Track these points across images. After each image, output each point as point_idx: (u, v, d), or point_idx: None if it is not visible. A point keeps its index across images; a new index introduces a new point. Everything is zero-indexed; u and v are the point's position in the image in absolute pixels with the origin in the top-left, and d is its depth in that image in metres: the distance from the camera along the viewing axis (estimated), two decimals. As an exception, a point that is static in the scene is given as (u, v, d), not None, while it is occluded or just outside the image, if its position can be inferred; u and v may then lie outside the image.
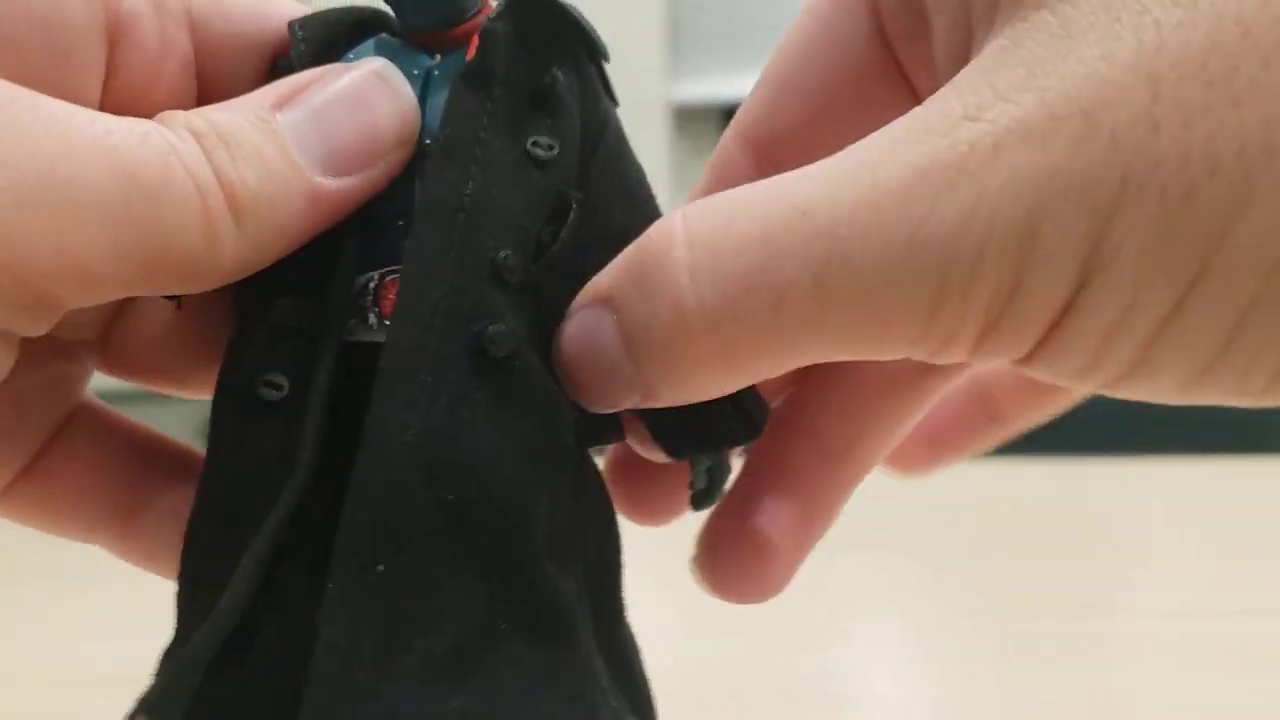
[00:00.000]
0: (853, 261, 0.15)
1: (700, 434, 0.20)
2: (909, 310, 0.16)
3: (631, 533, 0.21)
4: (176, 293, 0.18)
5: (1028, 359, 0.16)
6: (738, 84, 1.77)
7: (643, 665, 0.21)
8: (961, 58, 0.17)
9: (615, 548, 0.20)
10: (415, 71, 0.20)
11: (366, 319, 0.19)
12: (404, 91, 0.19)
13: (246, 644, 0.18)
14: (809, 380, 0.22)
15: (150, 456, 0.23)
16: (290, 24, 0.20)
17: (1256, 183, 0.14)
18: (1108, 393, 0.17)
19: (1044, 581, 0.52)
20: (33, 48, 0.18)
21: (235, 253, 0.17)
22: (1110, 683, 0.39)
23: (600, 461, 0.22)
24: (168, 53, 0.19)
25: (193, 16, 0.20)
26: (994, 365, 0.17)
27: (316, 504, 0.18)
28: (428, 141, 0.19)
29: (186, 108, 0.18)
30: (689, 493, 0.21)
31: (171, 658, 0.19)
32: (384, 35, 0.20)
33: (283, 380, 0.18)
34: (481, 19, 0.20)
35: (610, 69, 0.21)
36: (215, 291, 0.18)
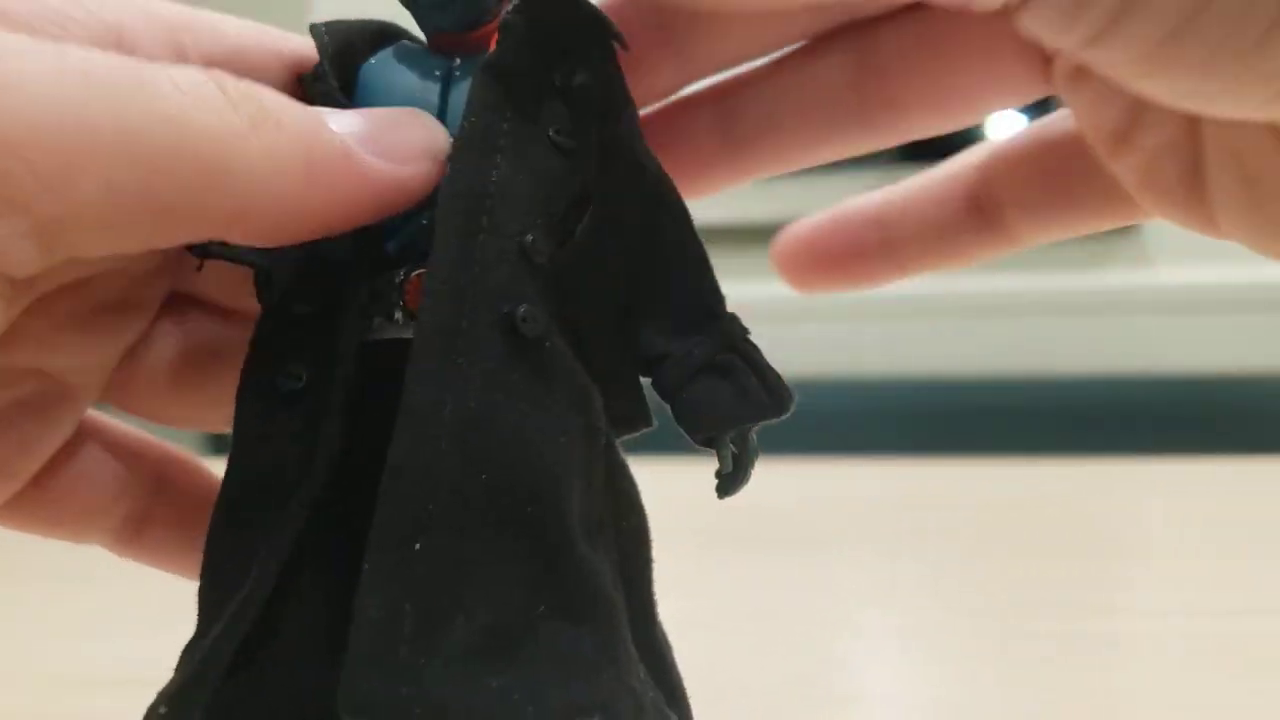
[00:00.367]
0: None
1: (727, 408, 0.19)
2: None
3: (631, 533, 0.21)
4: (196, 232, 0.17)
5: (1021, 2, 0.15)
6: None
7: (676, 663, 0.20)
8: None
9: (646, 541, 0.20)
10: (437, 72, 0.20)
11: (392, 315, 0.19)
12: (435, 123, 0.19)
13: (265, 639, 0.18)
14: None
15: (157, 467, 0.23)
16: (312, 26, 0.20)
17: None
18: (1086, 51, 0.16)
19: (1044, 581, 0.52)
20: None
21: (252, 171, 0.16)
22: (1110, 683, 0.39)
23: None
24: None
25: (200, 52, 0.20)
26: (993, 5, 0.16)
27: (336, 500, 0.18)
28: (451, 136, 0.19)
29: None
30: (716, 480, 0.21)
31: (192, 651, 0.19)
32: (404, 41, 0.21)
33: (301, 371, 0.18)
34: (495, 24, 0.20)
35: None
36: (230, 325, 0.18)
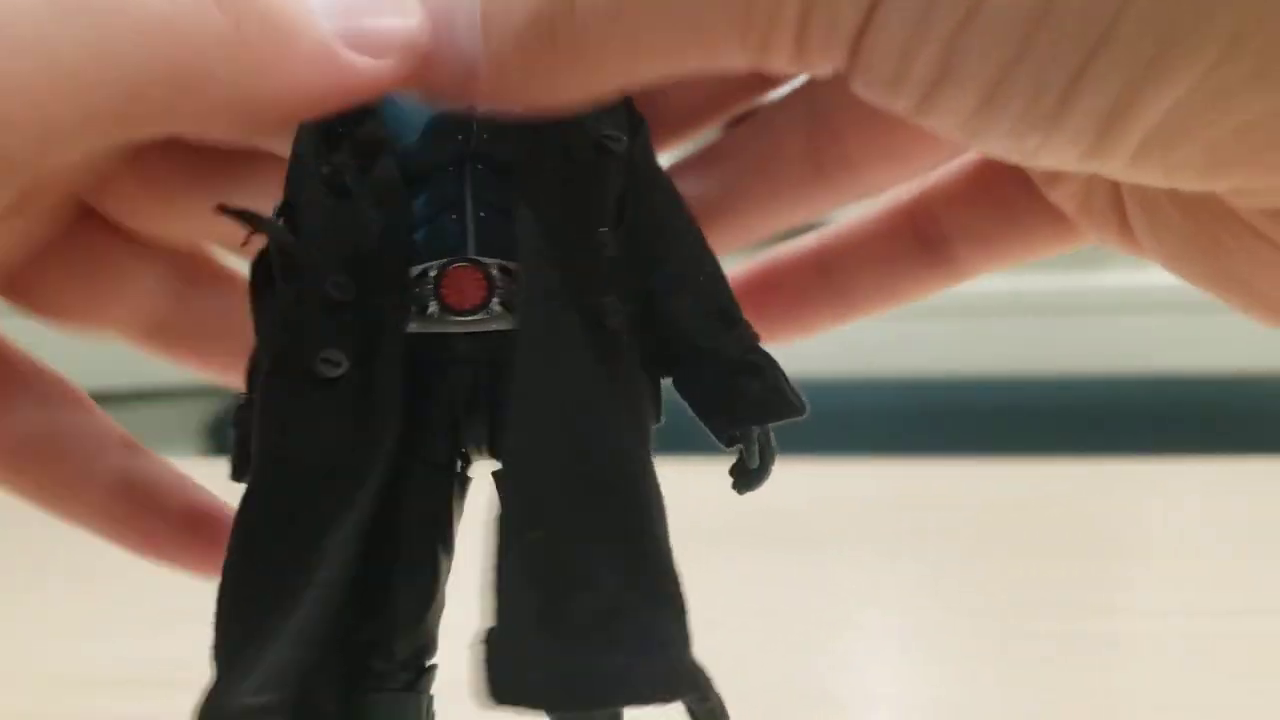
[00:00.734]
0: None
1: (762, 402, 0.20)
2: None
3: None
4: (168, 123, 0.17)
5: (849, 66, 0.16)
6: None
7: None
8: None
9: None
10: None
11: (426, 309, 0.19)
12: (412, 7, 0.19)
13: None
14: None
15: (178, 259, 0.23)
16: None
17: None
18: (918, 117, 0.17)
19: (1044, 581, 0.52)
20: None
21: (232, 80, 0.17)
22: (1110, 683, 0.39)
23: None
24: None
25: None
26: (822, 71, 0.17)
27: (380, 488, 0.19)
28: (485, 135, 0.20)
29: None
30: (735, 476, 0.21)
31: (248, 660, 0.18)
32: None
33: (341, 358, 0.19)
34: None
35: None
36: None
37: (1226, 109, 0.15)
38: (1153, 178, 0.17)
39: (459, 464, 0.21)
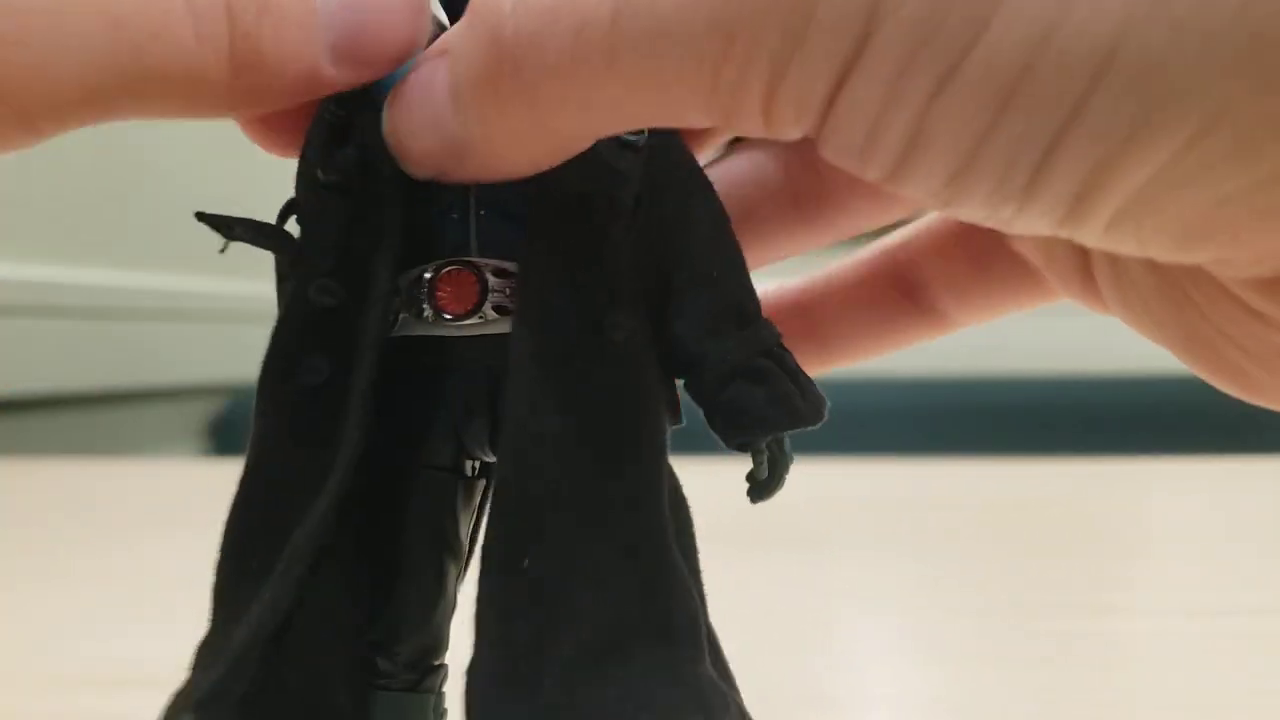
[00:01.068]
0: None
1: (763, 414, 0.19)
2: (699, 56, 0.15)
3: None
4: (155, 115, 0.18)
5: (818, 135, 0.16)
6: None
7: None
8: None
9: (692, 531, 0.20)
10: None
11: (421, 312, 0.19)
12: (427, 14, 0.19)
13: (288, 636, 0.18)
14: None
15: None
16: None
17: None
18: (890, 186, 0.16)
19: (1044, 581, 0.52)
20: None
21: (216, 100, 0.17)
22: (1110, 682, 0.39)
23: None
24: None
25: None
26: (789, 137, 0.16)
27: (355, 494, 0.18)
28: None
29: None
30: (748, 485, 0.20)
31: (214, 651, 0.18)
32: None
33: (323, 364, 0.18)
34: None
35: None
36: None
37: (1203, 184, 0.15)
38: (1128, 248, 0.17)
39: (467, 466, 0.21)
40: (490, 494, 0.18)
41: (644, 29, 0.15)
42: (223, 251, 0.20)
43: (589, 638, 0.17)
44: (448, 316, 0.19)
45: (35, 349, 1.07)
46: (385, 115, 0.18)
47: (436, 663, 0.21)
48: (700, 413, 0.20)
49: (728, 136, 0.23)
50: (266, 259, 0.20)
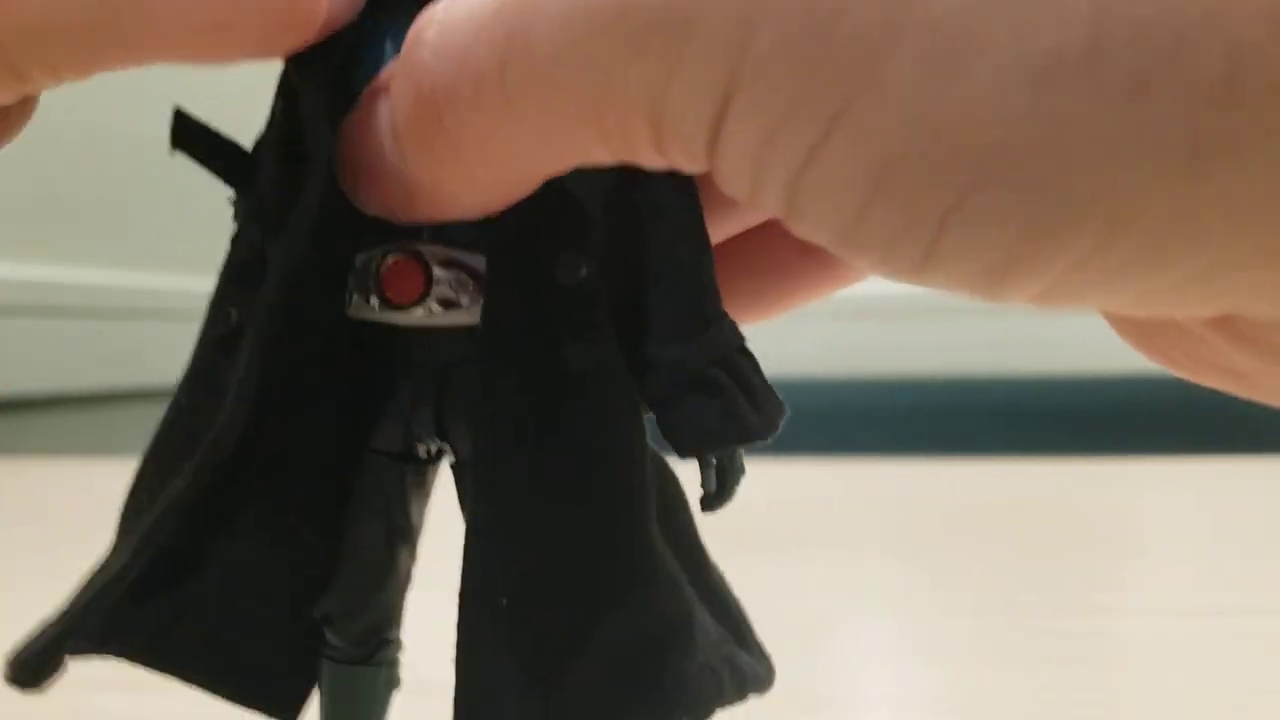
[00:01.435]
0: (531, 41, 0.15)
1: (712, 429, 0.19)
2: (580, 103, 0.15)
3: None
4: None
5: (714, 173, 0.15)
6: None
7: (737, 600, 0.21)
8: None
9: (684, 503, 0.20)
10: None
11: (368, 299, 0.19)
12: None
13: (183, 570, 0.19)
14: None
15: None
16: None
17: (912, 14, 0.13)
18: (794, 231, 0.16)
19: (1039, 581, 0.53)
20: None
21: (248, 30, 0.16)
22: (1109, 682, 0.39)
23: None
24: None
25: None
26: (697, 172, 0.16)
27: (304, 470, 0.19)
28: None
29: None
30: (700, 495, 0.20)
31: (94, 576, 0.19)
32: None
33: (233, 313, 0.19)
34: None
35: None
36: None
37: (1120, 284, 0.14)
38: (1064, 307, 0.15)
39: (419, 450, 0.20)
40: (465, 522, 0.18)
41: (527, 82, 0.15)
42: (171, 155, 0.20)
43: (575, 663, 0.17)
44: (393, 306, 0.19)
45: (35, 349, 1.07)
46: (336, 160, 0.18)
47: (388, 637, 0.21)
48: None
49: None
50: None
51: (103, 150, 1.11)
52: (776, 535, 0.59)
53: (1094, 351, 1.09)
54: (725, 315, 0.19)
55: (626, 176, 0.18)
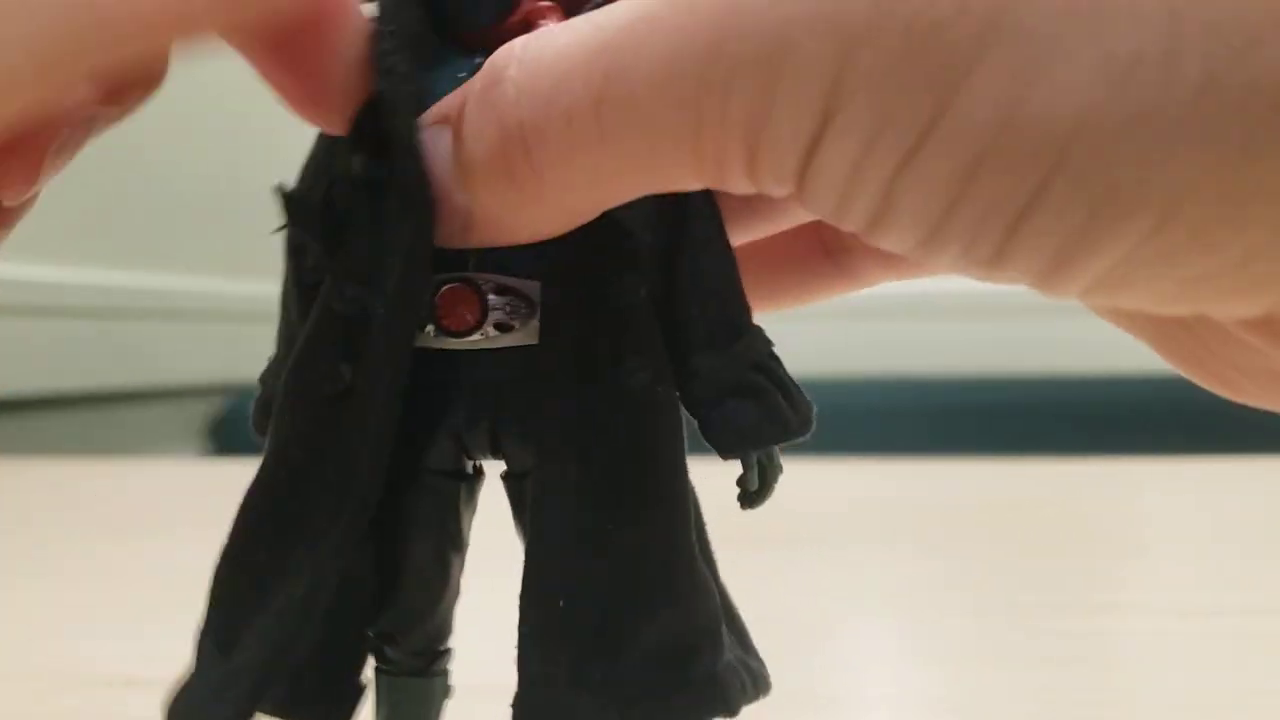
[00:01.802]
0: (628, 79, 0.15)
1: (755, 430, 0.20)
2: (676, 133, 0.16)
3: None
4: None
5: (797, 195, 0.16)
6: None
7: (736, 608, 0.22)
8: None
9: (703, 521, 0.21)
10: (462, 75, 0.19)
11: (424, 327, 0.19)
12: None
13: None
14: None
15: None
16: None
17: (1002, 27, 0.14)
18: (866, 239, 0.17)
19: (1040, 581, 0.53)
20: None
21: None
22: (1109, 682, 0.39)
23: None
24: None
25: None
26: (779, 195, 0.17)
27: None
28: None
29: None
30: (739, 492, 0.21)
31: (224, 649, 0.19)
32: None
33: (347, 372, 0.19)
34: (524, 10, 0.20)
35: None
36: None
37: (1168, 269, 0.15)
38: (1107, 305, 0.17)
39: (468, 466, 0.21)
40: (526, 532, 0.19)
41: (624, 116, 0.16)
42: (274, 233, 0.20)
43: (620, 663, 0.18)
44: (450, 333, 0.19)
45: (35, 349, 1.07)
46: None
47: (441, 648, 0.22)
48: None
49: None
50: (267, 258, 0.20)
51: (103, 150, 1.11)
52: (776, 535, 0.59)
53: (1094, 351, 1.09)
54: (756, 325, 0.20)
55: (664, 202, 0.19)
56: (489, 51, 0.19)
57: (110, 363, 1.16)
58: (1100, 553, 0.60)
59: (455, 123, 0.17)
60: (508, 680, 0.19)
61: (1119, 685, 0.40)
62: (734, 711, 0.19)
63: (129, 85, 0.19)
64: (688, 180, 0.17)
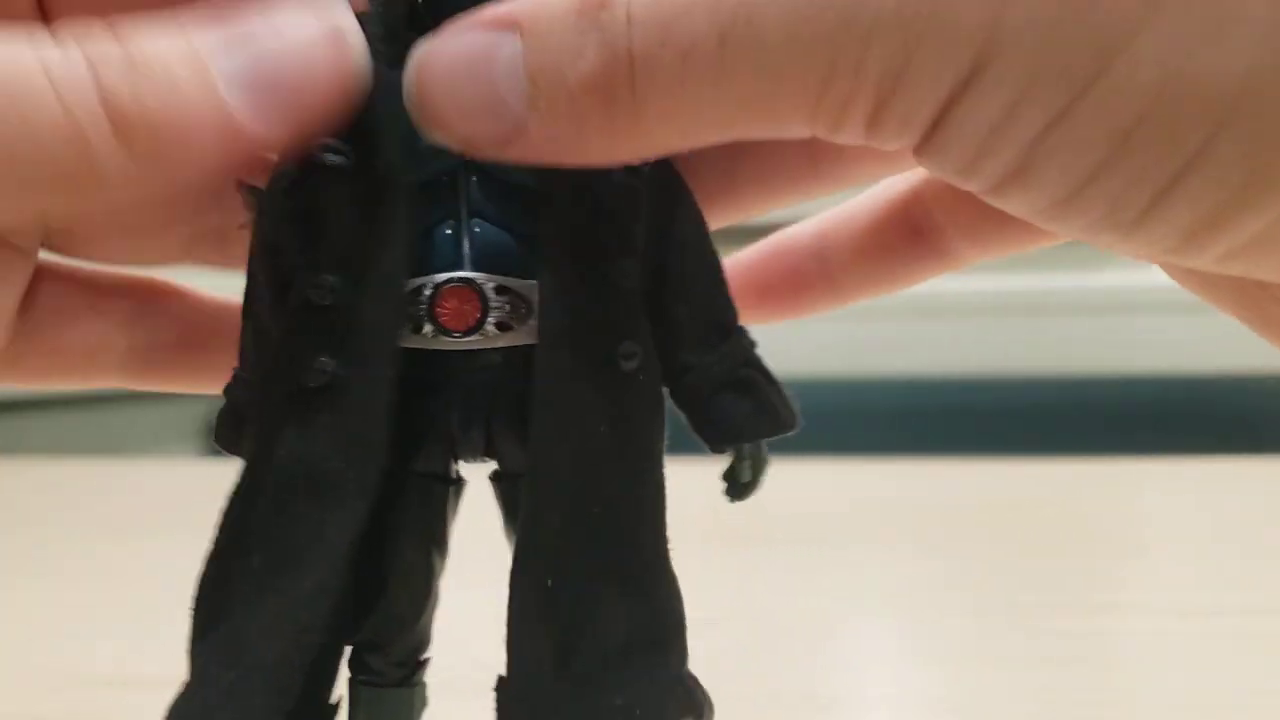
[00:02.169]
0: (757, 20, 0.15)
1: (748, 423, 0.20)
2: (804, 78, 0.15)
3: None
4: (67, 208, 0.17)
5: (919, 148, 0.16)
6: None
7: None
8: None
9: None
10: None
11: (421, 327, 0.19)
12: (355, 59, 0.17)
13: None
14: None
15: (145, 296, 0.23)
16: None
17: None
18: (988, 198, 0.17)
19: (1040, 581, 0.53)
20: None
21: (125, 173, 0.16)
22: (1110, 683, 0.39)
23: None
24: None
25: None
26: (890, 148, 0.17)
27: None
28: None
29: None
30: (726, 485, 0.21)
31: (231, 647, 0.18)
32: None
33: (330, 364, 0.18)
34: None
35: None
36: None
37: None
38: (1235, 273, 0.17)
39: (453, 471, 0.21)
40: (519, 517, 0.19)
41: (749, 56, 0.15)
42: (242, 228, 0.20)
43: (600, 655, 0.18)
44: (450, 333, 0.19)
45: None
46: (412, 78, 0.17)
47: (422, 658, 0.21)
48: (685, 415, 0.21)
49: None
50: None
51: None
52: (775, 535, 0.59)
53: (1094, 351, 1.09)
54: (740, 325, 0.21)
55: (655, 199, 0.19)
56: None
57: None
58: (1100, 553, 0.60)
59: (534, 33, 0.16)
60: (478, 681, 0.19)
61: (1119, 685, 0.40)
62: (707, 716, 0.19)
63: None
64: (796, 127, 0.16)
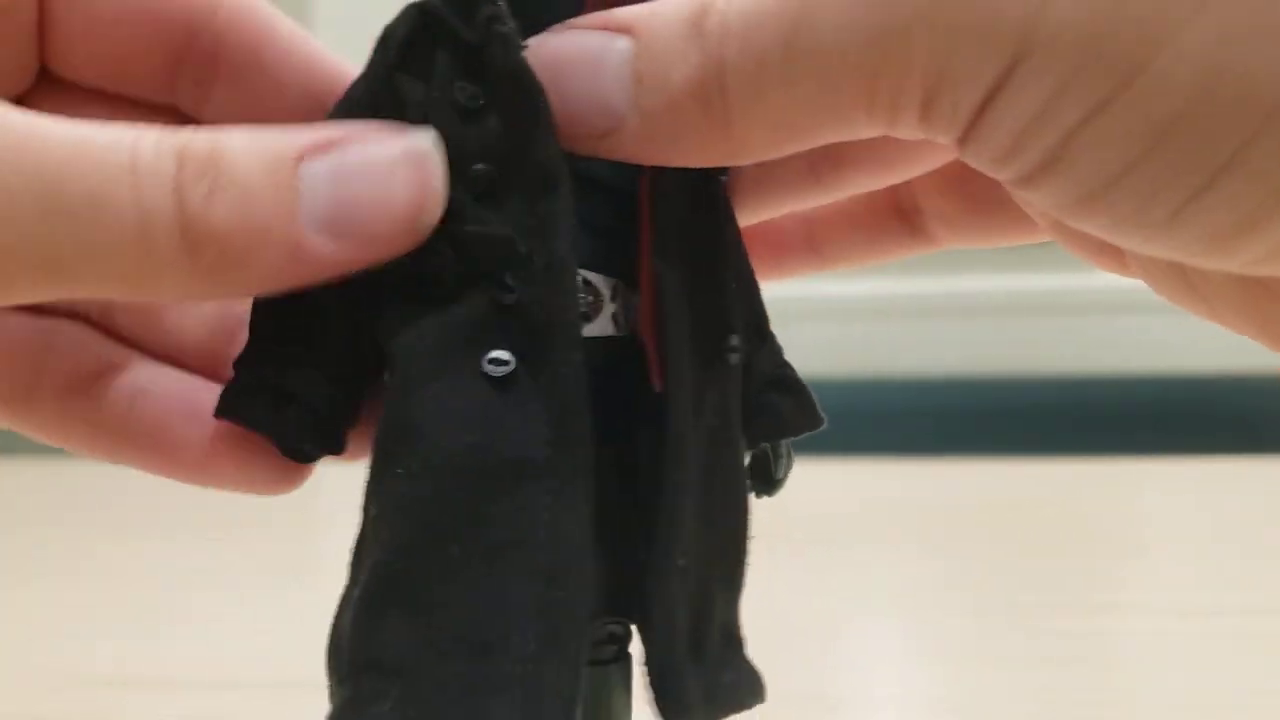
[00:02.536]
0: (815, 26, 0.16)
1: (790, 419, 0.21)
2: (856, 79, 0.16)
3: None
4: (120, 297, 0.17)
5: (961, 139, 0.16)
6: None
7: None
8: None
9: None
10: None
11: (591, 317, 0.19)
12: (434, 182, 0.18)
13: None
14: None
15: (42, 336, 0.22)
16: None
17: None
18: (1017, 189, 0.17)
19: (1040, 581, 0.53)
20: None
21: (184, 286, 0.16)
22: (1110, 682, 0.39)
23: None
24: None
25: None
26: (944, 141, 0.17)
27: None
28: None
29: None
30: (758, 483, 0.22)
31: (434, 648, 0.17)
32: None
33: (509, 356, 0.18)
34: None
35: None
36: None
37: None
38: (1261, 274, 0.16)
39: None
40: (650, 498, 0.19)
41: (811, 60, 0.16)
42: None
43: (720, 631, 0.20)
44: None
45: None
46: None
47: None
48: None
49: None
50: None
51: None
52: (775, 535, 0.59)
53: (1093, 351, 1.09)
54: (773, 333, 0.21)
55: (698, 203, 0.20)
56: None
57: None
58: (1100, 553, 0.60)
59: (646, 38, 0.17)
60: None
61: (1119, 685, 0.40)
62: (759, 702, 0.20)
63: None
64: (863, 126, 0.17)
